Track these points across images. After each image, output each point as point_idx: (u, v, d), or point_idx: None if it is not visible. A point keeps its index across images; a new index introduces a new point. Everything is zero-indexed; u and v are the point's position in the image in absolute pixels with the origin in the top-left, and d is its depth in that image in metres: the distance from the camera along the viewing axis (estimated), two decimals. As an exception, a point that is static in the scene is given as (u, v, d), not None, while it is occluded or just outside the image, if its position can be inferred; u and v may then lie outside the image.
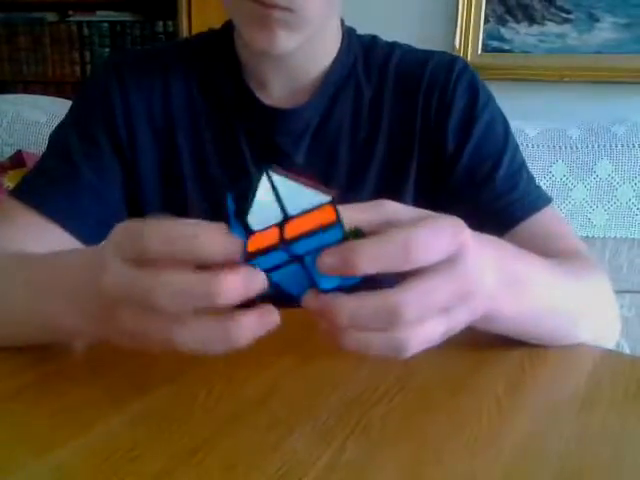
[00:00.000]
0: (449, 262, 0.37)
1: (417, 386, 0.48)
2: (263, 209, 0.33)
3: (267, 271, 0.35)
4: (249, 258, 0.34)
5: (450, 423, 0.44)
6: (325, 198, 0.34)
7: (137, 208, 0.72)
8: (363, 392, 0.47)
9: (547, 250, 0.60)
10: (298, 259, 0.35)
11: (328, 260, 0.34)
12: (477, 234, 0.41)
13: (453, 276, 0.37)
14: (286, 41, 0.60)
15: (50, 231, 0.65)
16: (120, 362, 0.51)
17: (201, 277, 0.34)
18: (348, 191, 0.69)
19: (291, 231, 0.34)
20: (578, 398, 0.47)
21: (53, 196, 0.67)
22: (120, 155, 0.70)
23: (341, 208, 0.34)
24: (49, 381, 0.49)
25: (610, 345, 0.60)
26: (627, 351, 1.23)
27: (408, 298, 0.35)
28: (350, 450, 0.40)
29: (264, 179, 0.33)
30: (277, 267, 0.35)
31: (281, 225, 0.34)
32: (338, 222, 0.34)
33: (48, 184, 0.68)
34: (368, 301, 0.35)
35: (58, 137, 0.72)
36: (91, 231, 0.66)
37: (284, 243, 0.34)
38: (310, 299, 0.35)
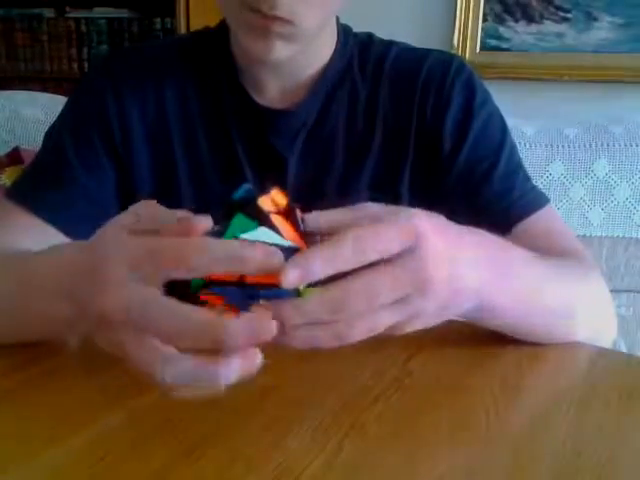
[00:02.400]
0: (403, 253, 0.38)
1: (414, 386, 0.48)
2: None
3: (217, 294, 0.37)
4: (207, 285, 0.36)
5: (447, 423, 0.44)
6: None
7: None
8: (360, 392, 0.47)
9: (545, 250, 0.61)
10: (251, 297, 0.36)
11: (290, 275, 0.35)
12: (454, 227, 0.43)
13: (405, 266, 0.38)
14: (283, 51, 0.60)
15: (44, 232, 0.65)
16: (117, 361, 0.50)
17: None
18: (343, 191, 0.69)
19: (251, 278, 0.36)
20: (575, 397, 0.48)
21: (47, 197, 0.66)
22: (114, 156, 0.70)
23: (322, 213, 0.38)
24: (45, 380, 0.49)
25: (607, 344, 0.60)
26: (624, 350, 1.23)
27: (354, 288, 0.37)
28: (347, 450, 0.40)
29: (236, 221, 0.37)
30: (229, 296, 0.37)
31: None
32: (290, 289, 0.36)
33: (42, 185, 0.68)
34: (315, 298, 0.37)
35: (52, 138, 0.71)
36: (84, 232, 0.65)
37: (242, 285, 0.36)
38: (259, 307, 0.36)
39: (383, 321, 0.39)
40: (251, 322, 0.35)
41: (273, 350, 0.46)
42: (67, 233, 0.66)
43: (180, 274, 0.36)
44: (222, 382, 0.36)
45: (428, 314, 0.41)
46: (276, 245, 0.36)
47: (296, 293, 0.36)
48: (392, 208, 0.41)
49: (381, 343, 0.55)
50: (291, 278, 0.35)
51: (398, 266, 0.38)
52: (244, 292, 0.36)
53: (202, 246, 0.36)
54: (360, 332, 0.38)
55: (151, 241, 0.37)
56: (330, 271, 0.36)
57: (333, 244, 0.36)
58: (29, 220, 0.65)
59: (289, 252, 0.36)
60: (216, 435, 0.41)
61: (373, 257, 0.37)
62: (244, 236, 0.37)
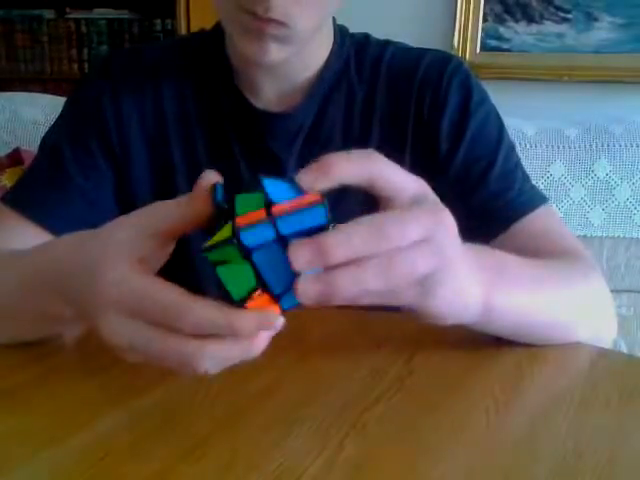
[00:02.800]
0: (424, 239, 0.37)
1: (415, 386, 0.48)
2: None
3: (252, 249, 0.34)
4: (237, 230, 0.34)
5: (447, 423, 0.44)
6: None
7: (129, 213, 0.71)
8: (361, 392, 0.47)
9: (543, 249, 0.61)
10: (283, 241, 0.34)
11: (303, 256, 0.33)
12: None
13: (426, 212, 0.38)
14: (278, 53, 0.60)
15: (42, 238, 0.64)
16: (117, 360, 0.50)
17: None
18: (340, 192, 0.69)
19: (277, 208, 0.34)
20: (575, 398, 0.47)
21: (44, 203, 0.66)
22: (112, 160, 0.70)
23: (328, 157, 0.36)
24: (46, 379, 0.49)
25: (607, 344, 0.60)
26: (624, 350, 1.23)
27: (387, 218, 0.36)
28: (348, 449, 0.40)
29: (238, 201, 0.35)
30: (261, 247, 0.34)
31: (268, 206, 0.34)
32: (322, 202, 0.35)
33: (39, 190, 0.67)
34: (351, 226, 0.35)
35: (50, 142, 0.71)
36: None
37: (271, 218, 0.34)
38: (296, 247, 0.34)
39: (420, 255, 0.36)
40: (259, 316, 0.35)
41: (273, 350, 0.46)
42: None
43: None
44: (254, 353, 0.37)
45: (451, 261, 0.39)
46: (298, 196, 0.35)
47: (325, 225, 0.35)
48: (403, 182, 0.40)
49: (382, 343, 0.55)
50: (305, 256, 0.33)
51: (415, 206, 0.38)
52: (274, 227, 0.34)
53: (186, 312, 0.36)
54: (403, 267, 0.36)
55: (144, 291, 0.37)
56: (348, 253, 0.34)
57: (349, 226, 0.35)
58: (26, 225, 0.65)
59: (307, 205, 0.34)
60: (217, 435, 0.41)
61: (393, 244, 0.35)
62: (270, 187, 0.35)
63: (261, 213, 0.34)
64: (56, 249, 0.48)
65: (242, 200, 0.36)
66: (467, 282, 0.43)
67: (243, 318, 0.35)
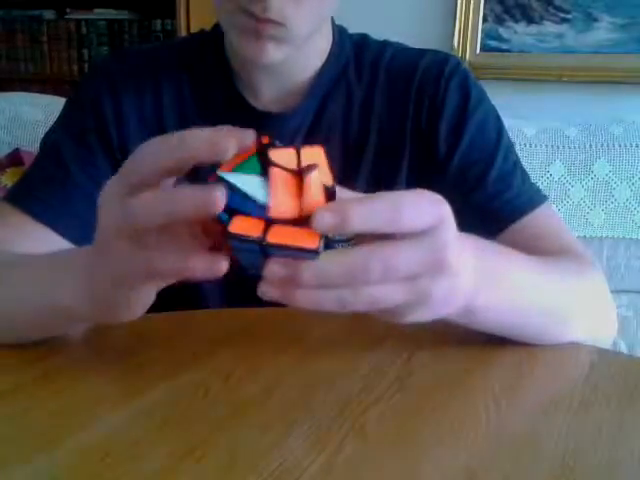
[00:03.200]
0: (426, 232, 0.37)
1: (414, 386, 0.48)
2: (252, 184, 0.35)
3: (235, 248, 0.35)
4: (228, 237, 0.34)
5: (447, 423, 0.44)
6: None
7: None
8: (360, 392, 0.47)
9: (542, 249, 0.61)
10: (267, 255, 0.35)
11: (325, 218, 0.33)
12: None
13: (425, 244, 0.37)
14: (275, 53, 0.60)
15: (43, 235, 0.65)
16: (118, 361, 0.51)
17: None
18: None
19: (273, 236, 0.34)
20: (575, 398, 0.47)
21: (46, 201, 0.67)
22: (112, 159, 0.70)
23: (350, 207, 0.34)
24: (48, 379, 0.49)
25: (606, 344, 0.60)
26: (624, 350, 1.23)
27: (376, 256, 0.36)
28: (347, 450, 0.40)
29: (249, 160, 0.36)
30: (243, 250, 0.35)
31: (267, 224, 0.34)
32: (317, 252, 0.34)
33: (41, 189, 0.68)
34: (336, 259, 0.35)
35: (50, 141, 0.72)
36: (84, 234, 0.66)
37: (262, 243, 0.34)
38: (274, 262, 0.35)
39: (390, 296, 0.37)
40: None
41: (273, 350, 0.47)
42: (65, 235, 0.66)
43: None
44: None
45: (431, 301, 0.40)
46: (246, 196, 0.35)
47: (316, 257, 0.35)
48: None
49: (381, 342, 0.55)
50: (325, 221, 0.33)
51: (420, 242, 0.37)
52: (262, 249, 0.35)
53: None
54: (363, 302, 0.37)
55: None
56: (363, 226, 0.34)
57: (370, 199, 0.35)
58: (28, 223, 0.65)
59: (257, 209, 0.34)
60: (216, 435, 0.41)
61: (406, 226, 0.36)
62: (227, 176, 0.36)
63: (258, 227, 0.34)
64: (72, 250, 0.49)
65: (248, 164, 0.37)
66: (449, 302, 0.42)
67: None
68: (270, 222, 0.34)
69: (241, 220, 0.34)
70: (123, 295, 0.42)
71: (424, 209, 0.37)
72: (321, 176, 0.36)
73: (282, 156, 0.36)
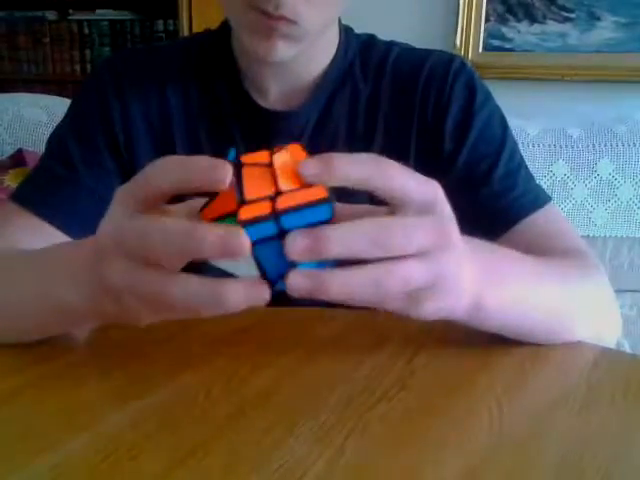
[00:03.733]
0: (429, 205, 0.38)
1: (416, 386, 0.48)
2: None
3: (253, 244, 0.34)
4: (243, 225, 0.34)
5: (449, 423, 0.43)
6: None
7: None
8: (362, 392, 0.47)
9: (547, 249, 0.60)
10: (284, 235, 0.34)
11: (297, 244, 0.34)
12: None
13: (434, 217, 0.38)
14: (285, 51, 0.60)
15: (49, 234, 0.65)
16: (119, 362, 0.51)
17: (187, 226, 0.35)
18: (344, 192, 0.69)
19: (283, 203, 0.34)
20: (578, 398, 0.47)
21: (52, 199, 0.67)
22: (118, 158, 0.70)
23: (334, 156, 0.36)
24: (48, 381, 0.49)
25: (610, 344, 0.60)
26: (628, 350, 1.23)
27: (388, 223, 0.36)
28: (349, 451, 0.40)
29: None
30: (262, 241, 0.35)
31: (273, 198, 0.34)
32: (329, 200, 0.35)
33: (47, 188, 0.68)
34: (352, 224, 0.35)
35: (56, 140, 0.72)
36: (88, 233, 0.66)
37: (275, 214, 0.34)
38: (292, 238, 0.34)
39: (416, 271, 0.37)
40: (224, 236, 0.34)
41: (274, 351, 0.46)
42: (71, 234, 0.66)
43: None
44: (228, 303, 0.35)
45: (445, 282, 0.40)
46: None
47: (330, 219, 0.35)
48: (414, 188, 0.40)
49: (383, 343, 0.55)
50: (311, 168, 0.34)
51: (429, 215, 0.38)
52: (278, 224, 0.34)
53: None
54: (396, 281, 0.36)
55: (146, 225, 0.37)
56: (352, 175, 0.35)
57: (357, 156, 0.36)
58: (33, 221, 0.66)
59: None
60: (218, 436, 0.41)
61: (399, 184, 0.37)
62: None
63: (266, 206, 0.34)
64: (70, 243, 0.50)
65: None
66: (458, 291, 0.42)
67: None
68: (274, 198, 0.34)
69: (247, 208, 0.34)
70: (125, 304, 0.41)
71: (415, 234, 0.37)
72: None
73: (254, 157, 0.36)
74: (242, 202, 0.34)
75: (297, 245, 0.34)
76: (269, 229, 0.34)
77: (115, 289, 0.39)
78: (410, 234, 0.36)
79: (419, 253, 0.37)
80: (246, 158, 0.36)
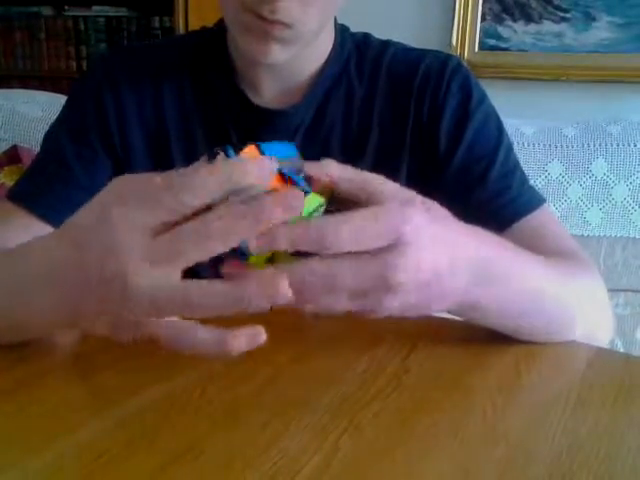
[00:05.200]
0: (385, 248, 0.39)
1: (411, 384, 0.48)
2: None
3: None
4: None
5: (444, 422, 0.44)
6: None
7: None
8: (357, 390, 0.47)
9: (540, 250, 0.61)
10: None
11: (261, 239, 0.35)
12: (453, 222, 0.44)
13: (376, 262, 0.39)
14: (280, 54, 0.61)
15: (43, 232, 0.64)
16: (114, 361, 0.51)
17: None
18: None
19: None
20: (572, 396, 0.48)
21: (47, 198, 0.67)
22: (113, 157, 0.70)
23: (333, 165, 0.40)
24: (42, 379, 0.48)
25: (603, 344, 0.60)
26: (621, 349, 1.23)
27: (316, 268, 0.38)
28: (344, 448, 0.40)
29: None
30: None
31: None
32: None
33: (42, 186, 0.68)
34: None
35: (51, 138, 0.72)
36: None
37: None
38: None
39: (340, 304, 0.40)
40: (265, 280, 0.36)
41: (269, 349, 0.46)
42: None
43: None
44: (229, 351, 0.37)
45: (390, 310, 0.41)
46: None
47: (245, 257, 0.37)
48: (393, 189, 0.42)
49: (379, 341, 0.55)
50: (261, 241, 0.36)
51: (370, 259, 0.39)
52: None
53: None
54: (318, 307, 0.39)
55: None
56: (290, 248, 0.36)
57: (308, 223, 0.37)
58: (28, 220, 0.65)
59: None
60: (213, 434, 0.41)
61: (344, 246, 0.38)
62: None
63: None
64: (42, 239, 0.46)
65: None
66: (447, 283, 0.43)
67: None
68: None
69: None
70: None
71: (370, 231, 0.38)
72: None
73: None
74: None
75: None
76: None
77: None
78: (338, 278, 0.38)
79: (354, 292, 0.39)
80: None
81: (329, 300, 0.39)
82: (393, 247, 0.39)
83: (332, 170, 0.39)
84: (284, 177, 0.38)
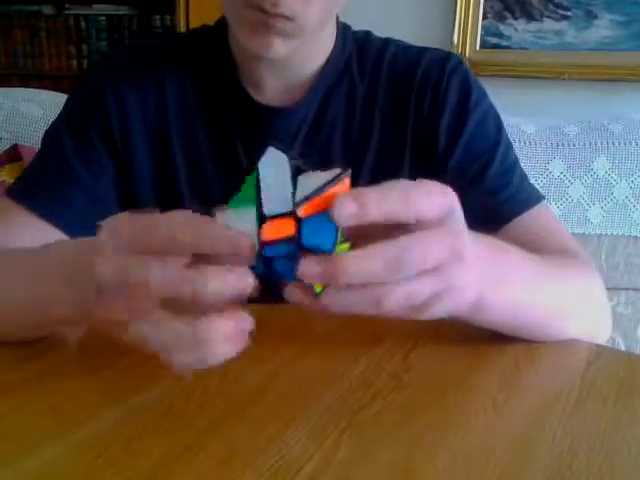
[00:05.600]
0: (441, 220, 0.38)
1: (411, 384, 0.48)
2: (274, 193, 0.35)
3: (271, 259, 0.35)
4: (263, 246, 0.35)
5: (444, 421, 0.44)
6: (338, 170, 0.36)
7: (131, 208, 0.72)
8: (357, 389, 0.47)
9: (539, 248, 0.61)
10: (305, 251, 0.35)
11: (344, 204, 0.34)
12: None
13: (444, 232, 0.38)
14: (281, 48, 0.60)
15: (45, 231, 0.65)
16: (116, 358, 0.51)
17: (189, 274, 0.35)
18: None
19: (307, 211, 0.34)
20: (573, 396, 0.47)
21: (47, 196, 0.67)
22: (114, 155, 0.70)
23: (366, 195, 0.35)
24: (43, 377, 0.49)
25: (601, 341, 0.60)
26: (622, 348, 1.23)
27: (409, 245, 0.36)
28: (344, 447, 0.40)
29: (267, 161, 0.35)
30: (282, 257, 0.35)
31: (294, 212, 0.34)
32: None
33: (42, 184, 0.68)
34: (375, 251, 0.35)
35: (52, 136, 0.72)
36: (86, 231, 0.66)
37: (299, 230, 0.34)
38: (308, 263, 0.35)
39: (423, 288, 0.38)
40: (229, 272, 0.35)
41: (270, 347, 0.47)
42: (67, 231, 0.66)
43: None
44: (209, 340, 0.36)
45: (453, 291, 0.40)
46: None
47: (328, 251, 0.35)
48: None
49: (379, 340, 0.55)
50: (345, 210, 0.34)
51: (439, 230, 0.38)
52: (300, 242, 0.35)
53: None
54: (398, 299, 0.36)
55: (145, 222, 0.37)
56: (380, 214, 0.35)
57: (382, 189, 0.36)
58: (29, 218, 0.65)
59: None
60: (213, 432, 0.41)
61: (420, 212, 0.36)
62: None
63: (289, 224, 0.35)
64: (61, 243, 0.50)
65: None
66: (463, 296, 0.42)
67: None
68: (297, 206, 0.35)
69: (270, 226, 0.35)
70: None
71: (434, 197, 0.38)
72: None
73: None
74: (263, 220, 0.35)
75: (312, 269, 0.34)
76: (290, 249, 0.35)
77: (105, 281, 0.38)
78: (425, 254, 0.36)
79: (432, 269, 0.37)
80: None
81: (411, 286, 0.37)
82: (452, 213, 0.39)
83: (375, 212, 0.35)
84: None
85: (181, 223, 0.36)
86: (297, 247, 0.35)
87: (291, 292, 0.37)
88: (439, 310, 0.41)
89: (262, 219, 0.35)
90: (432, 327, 0.56)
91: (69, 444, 0.40)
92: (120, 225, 0.38)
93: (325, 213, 0.34)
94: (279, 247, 0.35)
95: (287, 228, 0.35)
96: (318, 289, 0.36)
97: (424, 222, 0.37)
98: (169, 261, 0.35)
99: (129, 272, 0.36)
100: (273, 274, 0.36)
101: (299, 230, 0.35)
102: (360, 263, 0.35)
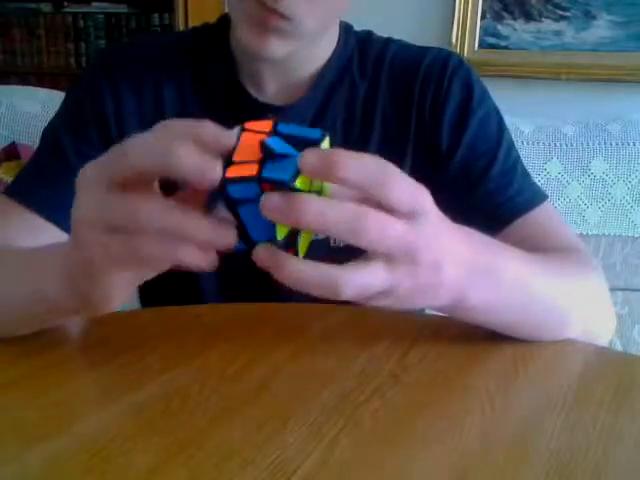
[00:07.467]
0: (412, 214, 0.38)
1: (409, 382, 0.48)
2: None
3: (237, 202, 0.36)
4: (225, 182, 0.36)
5: (442, 420, 0.44)
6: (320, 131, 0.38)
7: None
8: (355, 388, 0.47)
9: (543, 247, 0.61)
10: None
11: (310, 159, 0.35)
12: (448, 221, 0.43)
13: (409, 228, 0.38)
14: (278, 48, 0.60)
15: (44, 229, 0.65)
16: (113, 356, 0.51)
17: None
18: None
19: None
20: (569, 395, 0.48)
21: (45, 194, 0.67)
22: None
23: (339, 155, 0.36)
24: (42, 374, 0.49)
25: (603, 342, 0.60)
26: (619, 348, 1.23)
27: (369, 210, 0.36)
28: (342, 445, 0.40)
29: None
30: (246, 201, 0.36)
31: (261, 161, 0.36)
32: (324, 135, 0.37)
33: (41, 182, 0.68)
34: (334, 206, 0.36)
35: (50, 134, 0.72)
36: None
37: (259, 177, 0.35)
38: (269, 196, 0.35)
39: (373, 281, 0.38)
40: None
41: (268, 345, 0.47)
42: (64, 228, 0.66)
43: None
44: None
45: (404, 288, 0.40)
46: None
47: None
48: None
49: (377, 339, 0.55)
50: (312, 158, 0.35)
51: (405, 224, 0.38)
52: (260, 180, 0.35)
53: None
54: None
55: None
56: (351, 180, 0.35)
57: (361, 155, 0.37)
58: (27, 216, 0.65)
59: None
60: (212, 430, 0.41)
61: (392, 190, 0.37)
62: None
63: (253, 168, 0.36)
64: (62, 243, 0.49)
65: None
66: (443, 277, 0.42)
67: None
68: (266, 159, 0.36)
69: (234, 168, 0.36)
70: (99, 286, 0.42)
71: (409, 187, 0.38)
72: None
73: (257, 124, 0.39)
74: (230, 163, 0.36)
75: (272, 202, 0.35)
76: (252, 190, 0.36)
77: (95, 262, 0.40)
78: (384, 231, 0.37)
79: (385, 256, 0.38)
80: (250, 124, 0.39)
81: (366, 272, 0.38)
82: (419, 214, 0.39)
83: (342, 175, 0.36)
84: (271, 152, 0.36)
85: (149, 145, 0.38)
86: (260, 188, 0.35)
87: (258, 253, 0.37)
88: (387, 303, 0.41)
89: (229, 163, 0.36)
90: (430, 326, 0.57)
91: (67, 441, 0.40)
92: (90, 168, 0.41)
93: (293, 156, 0.35)
94: (242, 187, 0.36)
95: (251, 169, 0.36)
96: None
97: (392, 209, 0.37)
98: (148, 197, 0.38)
99: (112, 209, 0.38)
100: (241, 228, 0.37)
101: (261, 169, 0.35)
102: (319, 207, 0.35)
